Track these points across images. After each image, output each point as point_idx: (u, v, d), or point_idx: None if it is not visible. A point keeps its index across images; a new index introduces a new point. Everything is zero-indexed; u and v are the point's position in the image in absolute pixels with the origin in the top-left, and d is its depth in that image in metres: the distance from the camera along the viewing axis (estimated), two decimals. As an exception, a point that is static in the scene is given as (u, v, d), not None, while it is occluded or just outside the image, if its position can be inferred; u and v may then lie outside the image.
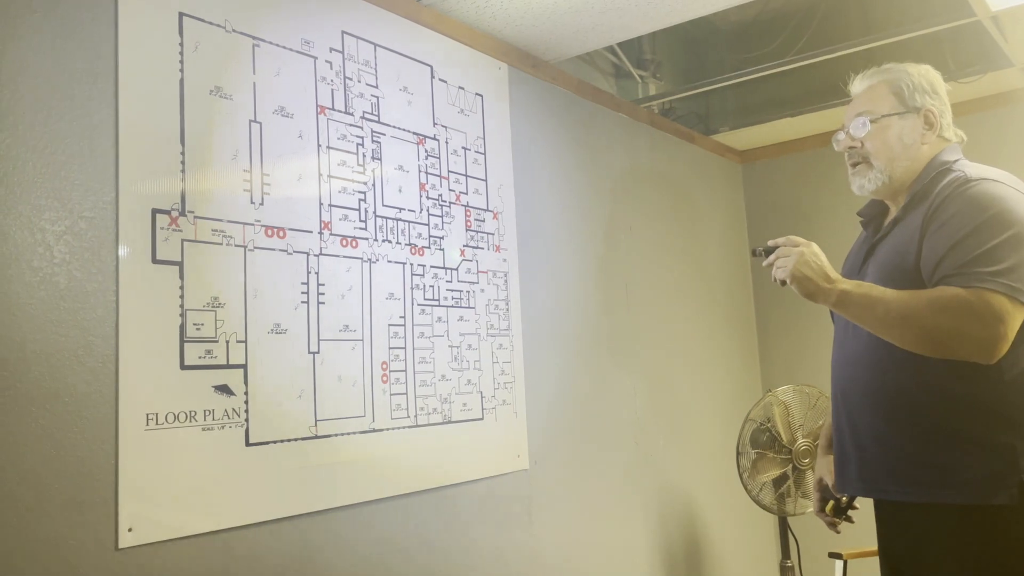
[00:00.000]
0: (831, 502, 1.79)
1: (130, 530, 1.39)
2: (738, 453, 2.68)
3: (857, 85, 1.73)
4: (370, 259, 1.88)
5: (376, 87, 1.95)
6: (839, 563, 2.62)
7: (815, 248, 1.53)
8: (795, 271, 1.50)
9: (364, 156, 1.90)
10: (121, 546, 1.38)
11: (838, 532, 1.82)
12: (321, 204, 1.79)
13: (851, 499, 1.77)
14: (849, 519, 1.79)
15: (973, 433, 1.47)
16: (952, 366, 1.47)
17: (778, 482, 2.70)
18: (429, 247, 2.04)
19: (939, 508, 1.49)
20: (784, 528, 2.88)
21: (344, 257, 1.82)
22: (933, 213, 1.51)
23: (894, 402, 1.55)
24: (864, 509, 1.73)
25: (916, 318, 1.42)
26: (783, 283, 1.54)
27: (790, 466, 2.69)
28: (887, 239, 1.63)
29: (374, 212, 1.90)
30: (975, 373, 1.45)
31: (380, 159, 1.94)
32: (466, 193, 2.17)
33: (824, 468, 1.83)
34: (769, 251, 1.59)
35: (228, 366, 1.57)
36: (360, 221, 1.87)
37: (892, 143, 1.64)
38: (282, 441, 1.65)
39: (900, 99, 1.64)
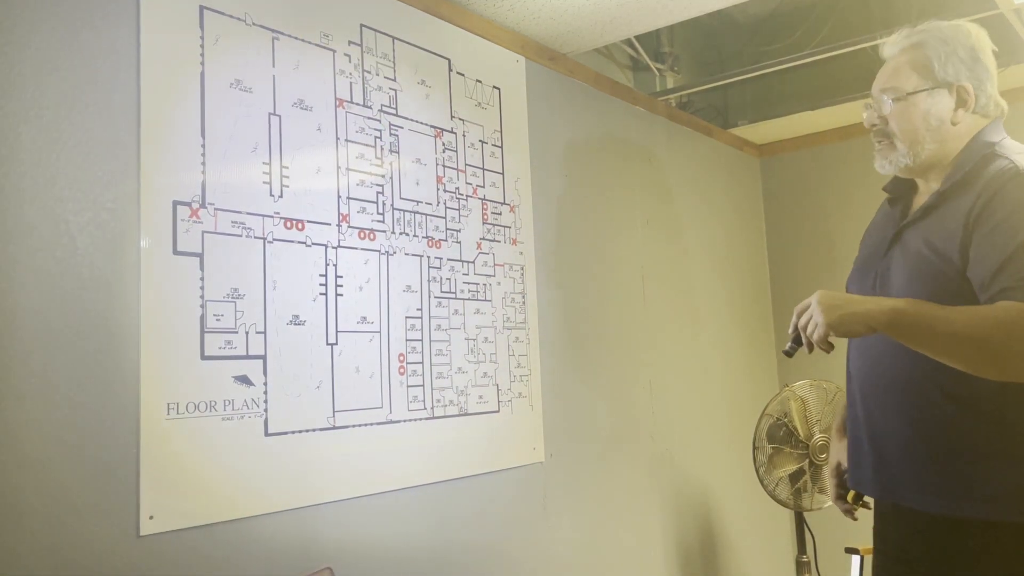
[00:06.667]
0: (852, 490, 1.74)
1: (151, 518, 1.41)
2: (754, 448, 2.67)
3: (888, 49, 1.58)
4: (387, 251, 1.89)
5: (394, 80, 1.96)
6: (855, 558, 2.61)
7: (823, 291, 1.38)
8: (827, 317, 1.33)
9: (382, 149, 1.91)
10: (142, 533, 1.40)
11: (855, 519, 1.78)
12: (339, 197, 1.80)
13: None
14: (866, 505, 1.74)
15: (1001, 447, 1.37)
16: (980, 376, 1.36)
17: (794, 477, 2.70)
18: (446, 240, 2.05)
19: (963, 522, 1.39)
20: (800, 523, 2.87)
21: (362, 249, 1.83)
22: (981, 211, 1.36)
23: (918, 406, 1.44)
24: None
25: (985, 339, 1.28)
26: (830, 347, 1.36)
27: (807, 461, 2.68)
28: (918, 226, 1.48)
29: (392, 205, 1.91)
30: (1005, 385, 1.34)
31: (398, 152, 1.95)
32: (483, 186, 2.18)
33: (841, 452, 1.71)
34: (797, 339, 1.43)
35: (247, 357, 1.58)
36: (378, 214, 1.88)
37: (917, 123, 1.49)
38: (300, 431, 1.66)
39: (929, 72, 1.49)
